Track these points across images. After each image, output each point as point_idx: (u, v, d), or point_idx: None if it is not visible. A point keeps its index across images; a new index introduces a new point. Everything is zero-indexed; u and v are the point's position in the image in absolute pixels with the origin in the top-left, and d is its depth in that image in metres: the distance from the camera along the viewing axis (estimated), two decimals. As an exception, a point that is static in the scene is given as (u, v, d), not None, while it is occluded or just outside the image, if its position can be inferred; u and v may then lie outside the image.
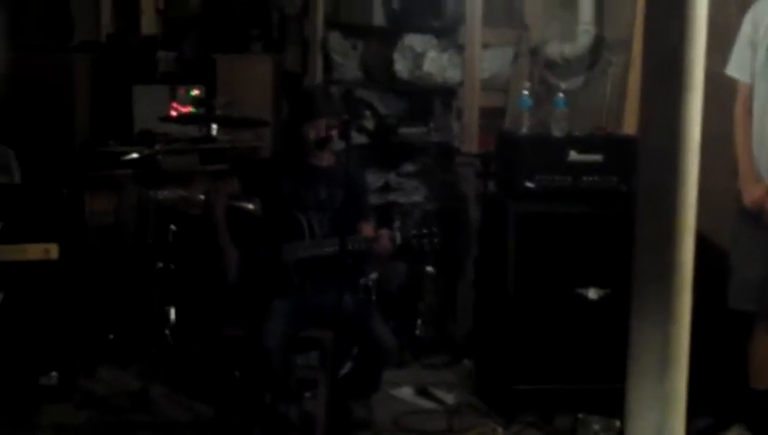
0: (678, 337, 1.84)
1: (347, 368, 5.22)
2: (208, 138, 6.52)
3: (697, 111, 1.84)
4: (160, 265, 5.85)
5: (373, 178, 6.54)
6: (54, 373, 5.32)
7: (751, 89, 4.78)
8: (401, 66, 6.73)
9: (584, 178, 5.36)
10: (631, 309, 1.92)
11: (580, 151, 5.37)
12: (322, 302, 4.76)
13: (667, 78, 1.81)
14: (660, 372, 1.83)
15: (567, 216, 5.33)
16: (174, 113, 6.59)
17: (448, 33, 6.67)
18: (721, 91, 4.63)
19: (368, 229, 5.00)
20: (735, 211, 4.87)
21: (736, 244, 4.92)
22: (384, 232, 4.95)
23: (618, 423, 4.96)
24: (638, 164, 1.91)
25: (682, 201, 1.81)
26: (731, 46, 4.84)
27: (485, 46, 6.47)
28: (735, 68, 4.83)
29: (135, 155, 6.00)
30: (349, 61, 7.12)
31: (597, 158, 5.38)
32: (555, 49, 6.26)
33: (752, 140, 4.77)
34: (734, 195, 4.85)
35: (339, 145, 5.03)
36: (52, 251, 5.25)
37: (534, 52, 6.41)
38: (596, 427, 4.99)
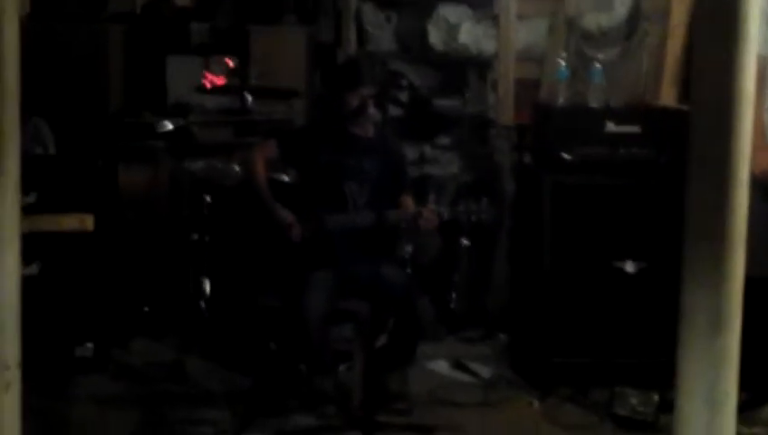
0: (732, 294, 1.80)
1: (383, 340, 5.19)
2: (243, 109, 6.48)
3: (751, 62, 1.79)
4: (195, 236, 5.83)
5: (408, 150, 6.49)
6: (90, 344, 5.34)
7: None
8: (435, 37, 6.67)
9: (621, 149, 5.29)
10: (683, 269, 1.87)
11: (616, 123, 5.31)
12: (360, 274, 4.74)
13: (720, 28, 1.77)
14: (713, 331, 1.79)
15: (603, 187, 5.28)
16: (208, 84, 6.57)
17: (483, 4, 6.61)
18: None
19: (408, 202, 4.98)
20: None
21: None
22: (430, 207, 4.92)
23: (655, 396, 4.92)
24: (691, 117, 1.87)
25: (736, 154, 1.77)
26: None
27: (521, 17, 6.42)
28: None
29: (169, 126, 5.98)
30: (383, 32, 7.07)
31: (634, 129, 5.31)
32: (592, 19, 6.20)
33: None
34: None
35: (377, 116, 4.99)
36: (88, 222, 5.26)
37: (570, 22, 6.34)
38: (633, 400, 4.94)
